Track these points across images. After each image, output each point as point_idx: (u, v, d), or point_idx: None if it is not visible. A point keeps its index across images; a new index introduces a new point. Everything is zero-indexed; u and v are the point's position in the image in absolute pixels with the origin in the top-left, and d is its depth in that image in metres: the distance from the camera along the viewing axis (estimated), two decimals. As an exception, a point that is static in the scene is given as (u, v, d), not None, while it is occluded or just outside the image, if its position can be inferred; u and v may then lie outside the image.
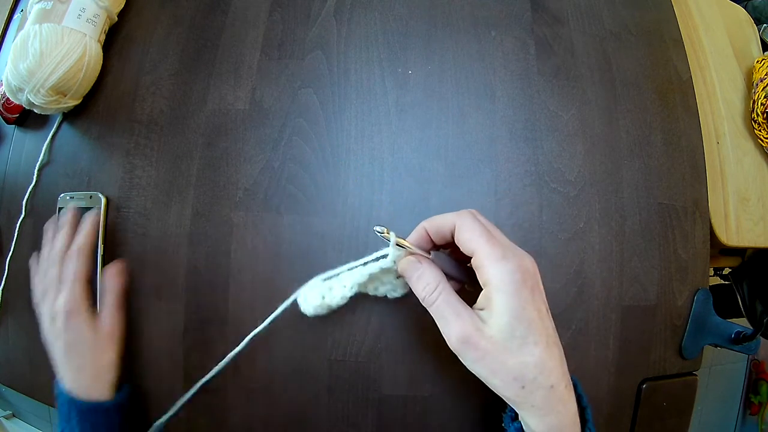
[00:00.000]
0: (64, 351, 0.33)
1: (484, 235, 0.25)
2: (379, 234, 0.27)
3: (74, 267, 0.34)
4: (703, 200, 0.41)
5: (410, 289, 0.28)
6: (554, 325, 0.26)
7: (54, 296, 0.34)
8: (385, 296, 0.32)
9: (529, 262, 0.25)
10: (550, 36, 0.41)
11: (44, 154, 0.42)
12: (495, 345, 0.24)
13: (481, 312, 0.25)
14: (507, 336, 0.24)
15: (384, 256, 0.28)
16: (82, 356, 0.33)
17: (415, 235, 0.29)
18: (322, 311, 0.30)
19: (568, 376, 0.26)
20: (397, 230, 0.28)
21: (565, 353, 0.26)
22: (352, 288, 0.29)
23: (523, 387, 0.24)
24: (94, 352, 0.34)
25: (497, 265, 0.24)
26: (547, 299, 0.26)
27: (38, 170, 0.42)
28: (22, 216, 0.43)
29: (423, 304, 0.27)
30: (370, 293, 0.32)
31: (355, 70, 0.39)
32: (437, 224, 0.27)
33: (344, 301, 0.29)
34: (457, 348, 0.25)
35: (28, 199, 0.42)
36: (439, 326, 0.26)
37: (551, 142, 0.38)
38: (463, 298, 0.26)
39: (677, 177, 0.40)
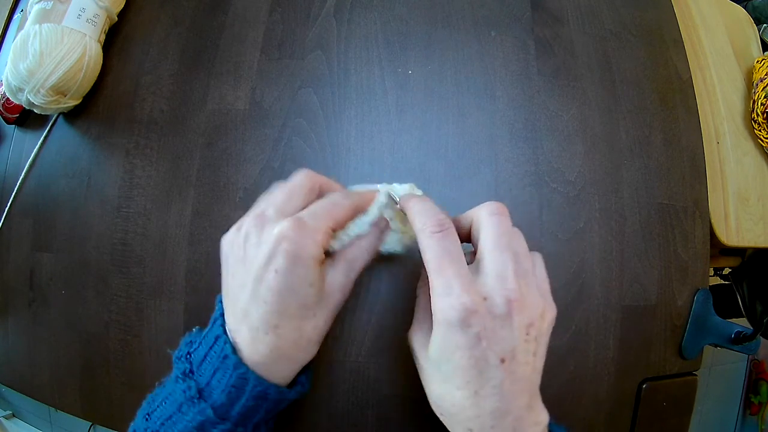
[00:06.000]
0: (265, 298, 0.23)
1: (436, 264, 0.22)
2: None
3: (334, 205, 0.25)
4: (703, 200, 0.41)
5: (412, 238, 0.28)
6: (518, 377, 0.22)
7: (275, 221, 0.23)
8: (392, 252, 0.30)
9: (494, 306, 0.21)
10: (550, 36, 0.41)
11: (33, 156, 0.43)
12: (426, 364, 0.24)
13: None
14: (434, 366, 0.23)
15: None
16: (286, 313, 0.23)
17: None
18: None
19: (513, 427, 0.22)
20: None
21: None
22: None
23: (441, 414, 0.24)
24: (304, 313, 0.24)
25: (439, 300, 0.22)
26: None
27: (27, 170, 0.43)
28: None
29: None
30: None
31: (355, 70, 0.39)
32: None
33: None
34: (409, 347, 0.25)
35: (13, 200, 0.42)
36: None
37: (551, 142, 0.38)
38: None
39: (677, 177, 0.40)
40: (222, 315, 0.26)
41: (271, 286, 0.22)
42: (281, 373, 0.24)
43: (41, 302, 0.41)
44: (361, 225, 0.27)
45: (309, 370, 0.28)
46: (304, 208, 0.25)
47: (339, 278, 0.25)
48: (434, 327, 0.22)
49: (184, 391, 0.24)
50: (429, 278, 0.22)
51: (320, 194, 0.27)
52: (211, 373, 0.24)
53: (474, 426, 0.22)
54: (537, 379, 0.24)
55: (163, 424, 0.24)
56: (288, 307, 0.23)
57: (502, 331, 0.22)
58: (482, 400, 0.22)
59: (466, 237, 0.26)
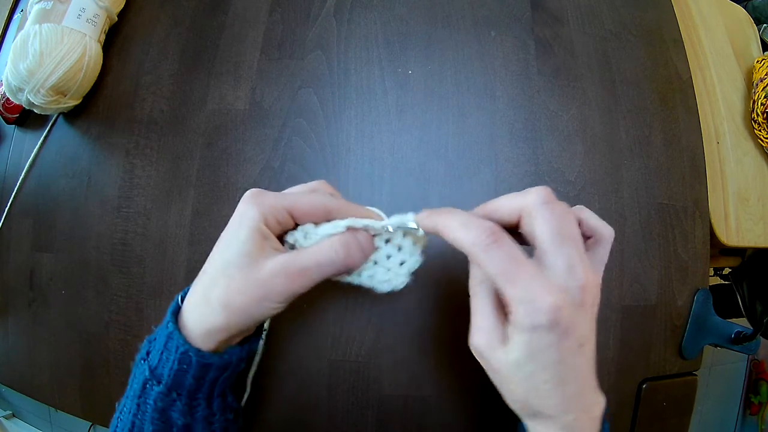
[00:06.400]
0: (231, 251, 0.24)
1: (507, 274, 0.21)
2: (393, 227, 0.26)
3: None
4: (703, 200, 0.41)
5: (403, 285, 0.28)
6: (589, 358, 0.24)
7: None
8: (373, 288, 0.29)
9: (572, 297, 0.22)
10: (550, 36, 0.41)
11: (33, 156, 0.43)
12: (505, 367, 0.23)
13: (509, 326, 0.23)
14: (515, 367, 0.22)
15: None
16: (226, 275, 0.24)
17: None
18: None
19: (585, 407, 0.24)
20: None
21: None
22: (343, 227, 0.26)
23: (522, 407, 0.24)
24: (228, 270, 0.24)
25: (523, 309, 0.21)
26: None
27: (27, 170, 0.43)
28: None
29: None
30: (365, 282, 0.29)
31: (355, 70, 0.39)
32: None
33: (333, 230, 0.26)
34: (473, 352, 0.24)
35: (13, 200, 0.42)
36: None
37: (551, 142, 0.38)
38: None
39: (677, 177, 0.40)
40: None
41: (220, 237, 0.25)
42: (201, 337, 0.24)
43: (41, 302, 0.41)
44: (335, 226, 0.25)
45: (245, 345, 0.27)
46: None
47: (279, 261, 0.24)
48: (516, 333, 0.22)
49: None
50: (502, 290, 0.22)
51: None
52: (159, 335, 0.25)
53: (555, 412, 0.23)
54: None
55: (126, 396, 0.26)
56: (222, 257, 0.24)
57: (581, 317, 0.22)
58: (566, 386, 0.23)
59: (510, 224, 0.25)
